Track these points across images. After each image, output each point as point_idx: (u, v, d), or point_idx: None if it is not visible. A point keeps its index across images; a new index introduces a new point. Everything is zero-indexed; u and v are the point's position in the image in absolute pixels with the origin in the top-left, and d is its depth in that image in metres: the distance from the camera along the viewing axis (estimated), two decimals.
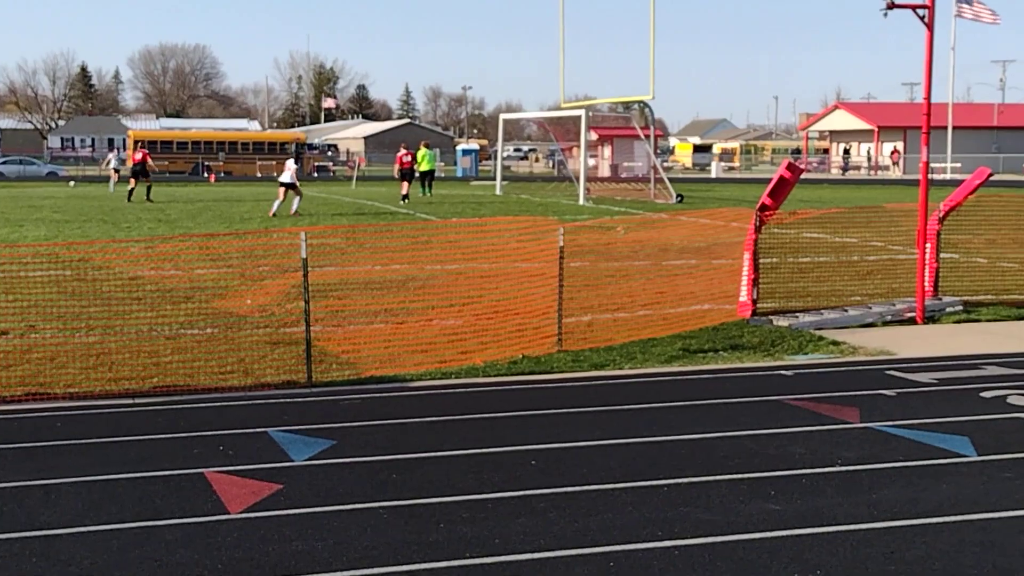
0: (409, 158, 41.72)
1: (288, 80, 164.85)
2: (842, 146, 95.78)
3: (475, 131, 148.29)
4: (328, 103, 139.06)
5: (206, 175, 64.36)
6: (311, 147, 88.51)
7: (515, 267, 13.33)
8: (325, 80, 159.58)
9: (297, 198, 33.28)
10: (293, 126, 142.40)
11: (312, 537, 6.10)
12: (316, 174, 74.86)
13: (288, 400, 9.51)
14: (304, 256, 10.39)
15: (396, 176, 43.19)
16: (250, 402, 9.43)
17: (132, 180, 39.59)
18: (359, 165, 71.44)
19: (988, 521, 6.40)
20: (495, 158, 58.91)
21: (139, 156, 40.46)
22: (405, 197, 39.78)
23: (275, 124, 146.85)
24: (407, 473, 7.33)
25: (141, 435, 8.35)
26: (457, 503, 6.69)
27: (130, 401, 9.45)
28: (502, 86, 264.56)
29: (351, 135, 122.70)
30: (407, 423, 8.70)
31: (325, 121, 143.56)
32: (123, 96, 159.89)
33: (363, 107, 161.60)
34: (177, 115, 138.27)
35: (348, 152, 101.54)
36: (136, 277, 13.58)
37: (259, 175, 71.30)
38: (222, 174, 66.15)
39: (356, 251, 17.47)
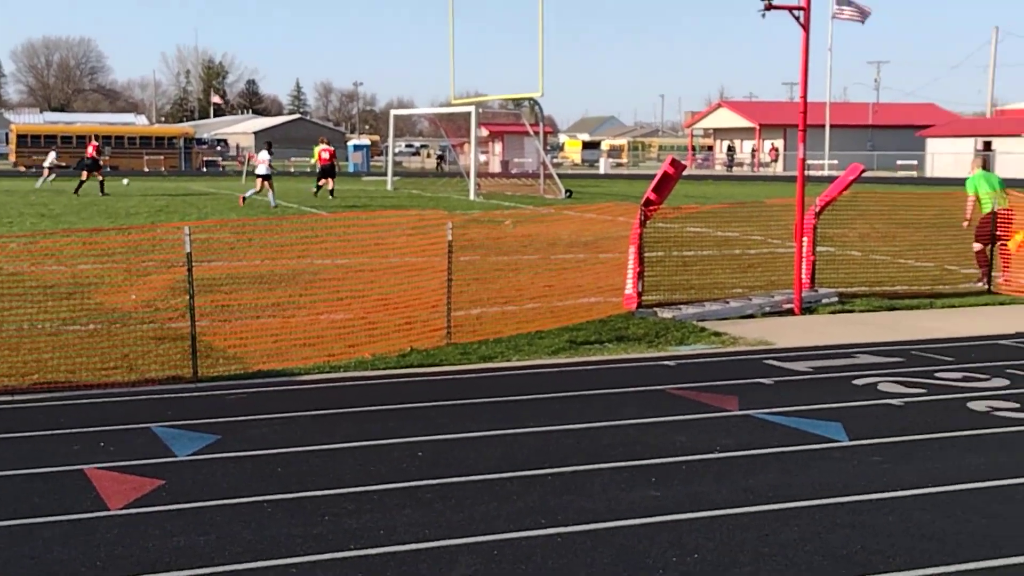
0: (328, 154, 41.47)
1: (176, 74, 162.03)
2: (726, 143, 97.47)
3: (366, 127, 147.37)
4: (215, 99, 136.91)
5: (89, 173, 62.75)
6: (200, 142, 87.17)
7: (405, 261, 13.26)
8: (214, 75, 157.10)
9: (270, 192, 33.88)
10: (182, 120, 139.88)
11: (194, 532, 6.00)
12: (205, 169, 73.71)
13: (172, 396, 9.34)
14: (188, 251, 10.21)
15: (316, 171, 42.76)
16: (133, 398, 9.24)
17: (84, 173, 39.99)
18: (248, 160, 70.39)
19: (858, 503, 6.57)
20: (386, 154, 58.61)
21: (90, 150, 41.17)
22: (331, 192, 39.71)
23: (163, 119, 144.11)
24: (293, 467, 7.26)
25: (20, 433, 8.12)
26: (343, 495, 6.64)
27: (9, 399, 9.18)
28: (393, 82, 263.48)
29: (241, 130, 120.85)
30: (294, 417, 8.61)
31: (215, 116, 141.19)
32: (6, 90, 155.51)
33: (253, 102, 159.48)
34: (62, 109, 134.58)
35: (238, 147, 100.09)
36: (16, 273, 13.19)
37: (146, 169, 69.97)
38: (108, 169, 64.55)
39: (245, 246, 17.23)
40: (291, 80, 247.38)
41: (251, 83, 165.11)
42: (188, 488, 6.78)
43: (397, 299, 12.60)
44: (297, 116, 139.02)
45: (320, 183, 39.84)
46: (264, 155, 35.00)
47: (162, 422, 8.36)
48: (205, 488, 6.78)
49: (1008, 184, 18.09)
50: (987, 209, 16.63)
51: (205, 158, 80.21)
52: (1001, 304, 15.38)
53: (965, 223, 16.89)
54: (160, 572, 5.48)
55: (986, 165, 17.73)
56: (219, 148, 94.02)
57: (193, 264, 10.29)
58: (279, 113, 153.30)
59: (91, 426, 8.27)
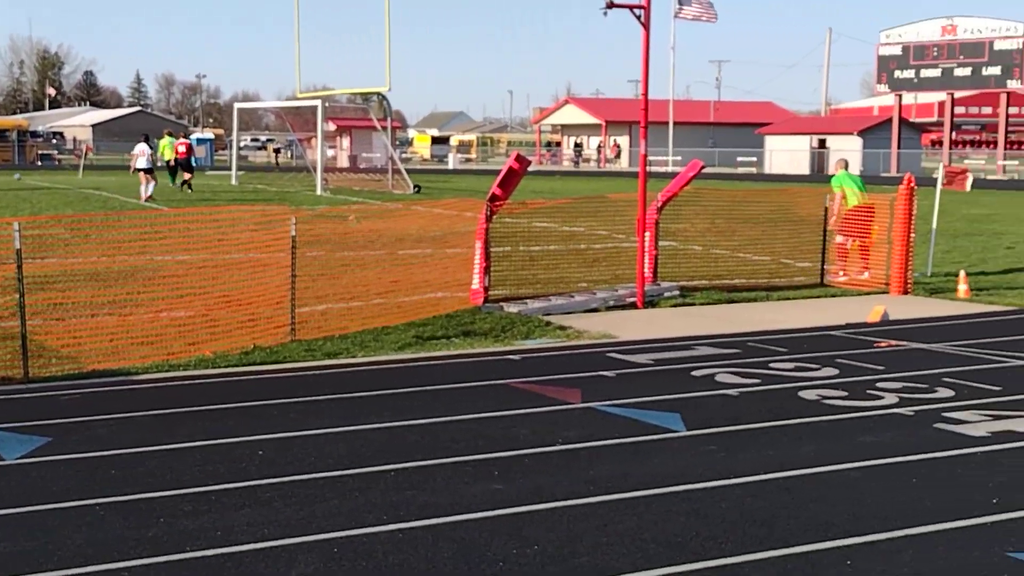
0: (184, 148, 40.98)
1: (9, 65, 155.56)
2: (573, 139, 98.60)
3: (210, 120, 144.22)
4: (50, 91, 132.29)
5: None
6: (34, 135, 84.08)
7: (249, 257, 13.04)
8: (49, 65, 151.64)
9: (152, 184, 33.13)
10: (15, 112, 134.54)
11: (22, 537, 5.80)
12: (40, 163, 71.12)
13: (1, 398, 9.00)
14: (18, 247, 9.84)
15: (169, 165, 42.33)
16: None
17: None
18: (86, 153, 68.23)
19: (694, 492, 6.73)
20: (231, 148, 57.55)
21: (183, 149, 41.40)
22: (186, 184, 39.52)
23: None
24: (128, 468, 7.07)
25: None
26: (180, 496, 6.50)
27: None
28: (238, 75, 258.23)
29: (78, 123, 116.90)
30: (130, 417, 8.39)
31: (50, 108, 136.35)
32: None
33: (91, 94, 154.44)
34: None
35: (75, 140, 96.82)
36: None
37: None
38: None
39: (81, 242, 16.70)
40: (131, 72, 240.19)
41: (89, 74, 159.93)
42: (15, 493, 6.54)
43: (240, 296, 12.38)
44: (137, 109, 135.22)
45: (185, 177, 39.93)
46: (143, 147, 34.23)
47: None
48: (34, 492, 6.55)
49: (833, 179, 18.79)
50: (852, 204, 17.26)
51: (40, 151, 77.33)
52: (833, 296, 15.96)
53: (832, 218, 17.44)
54: None
55: (847, 166, 18.37)
56: (55, 141, 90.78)
57: (23, 261, 9.92)
58: (119, 105, 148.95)
59: None
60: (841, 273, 17.07)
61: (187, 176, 39.97)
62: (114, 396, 9.13)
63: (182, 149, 41.02)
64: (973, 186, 21.15)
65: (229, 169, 52.31)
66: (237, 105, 58.48)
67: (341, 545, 5.76)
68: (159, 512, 6.22)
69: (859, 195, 17.32)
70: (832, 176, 18.18)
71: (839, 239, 17.24)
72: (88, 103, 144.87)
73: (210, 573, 5.39)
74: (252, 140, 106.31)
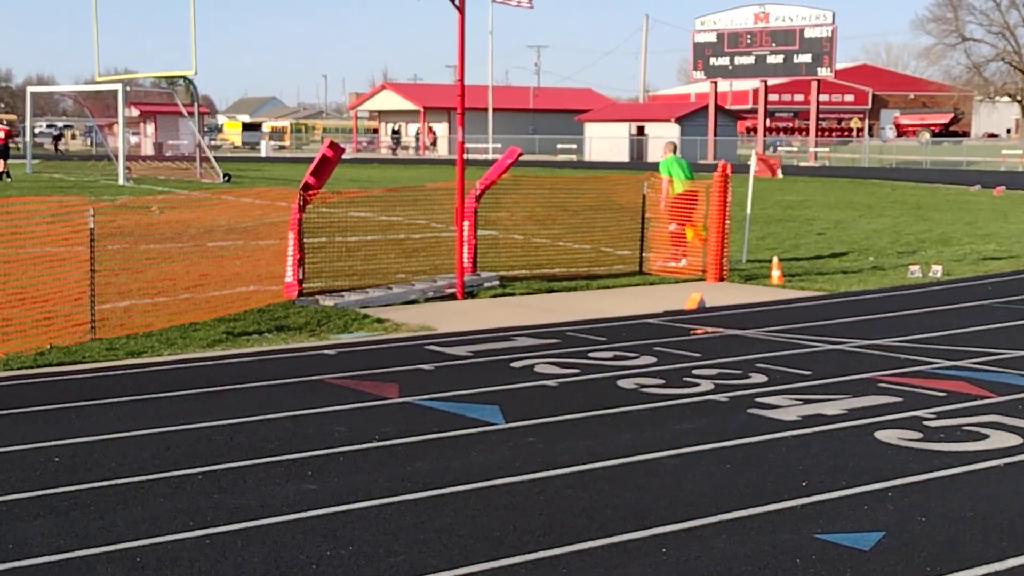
0: (3, 133, 39.83)
1: None
2: (391, 126, 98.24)
3: (2, 105, 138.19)
4: None
5: None
6: None
7: (45, 252, 12.58)
8: None
9: None
10: None
11: None
12: None
13: None
14: None
15: None
16: None
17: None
18: None
19: (512, 485, 6.80)
20: (24, 135, 55.32)
21: (1, 135, 40.94)
22: (5, 174, 38.54)
23: None
24: None
25: None
26: None
27: None
28: (32, 57, 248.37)
29: None
30: None
31: None
32: None
33: None
34: None
35: None
36: None
37: None
38: None
39: None
40: None
41: None
42: None
43: (35, 292, 11.93)
44: None
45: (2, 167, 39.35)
46: None
47: None
48: None
49: (655, 167, 19.25)
50: (678, 190, 17.66)
51: None
52: (651, 284, 16.36)
53: (661, 203, 17.80)
54: None
55: (675, 150, 18.79)
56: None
57: None
58: None
59: None
60: (683, 260, 17.41)
61: (1, 163, 39.11)
62: None
63: (0, 135, 40.09)
64: (785, 173, 22.02)
65: (23, 158, 50.29)
66: (31, 89, 56.35)
67: (144, 554, 5.61)
68: None
69: (684, 182, 17.78)
70: (660, 160, 18.59)
71: (672, 227, 17.61)
72: None
73: None
74: (48, 127, 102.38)
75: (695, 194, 17.56)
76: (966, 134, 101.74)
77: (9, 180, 38.03)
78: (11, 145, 43.27)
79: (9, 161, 41.97)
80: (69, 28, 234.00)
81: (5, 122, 46.59)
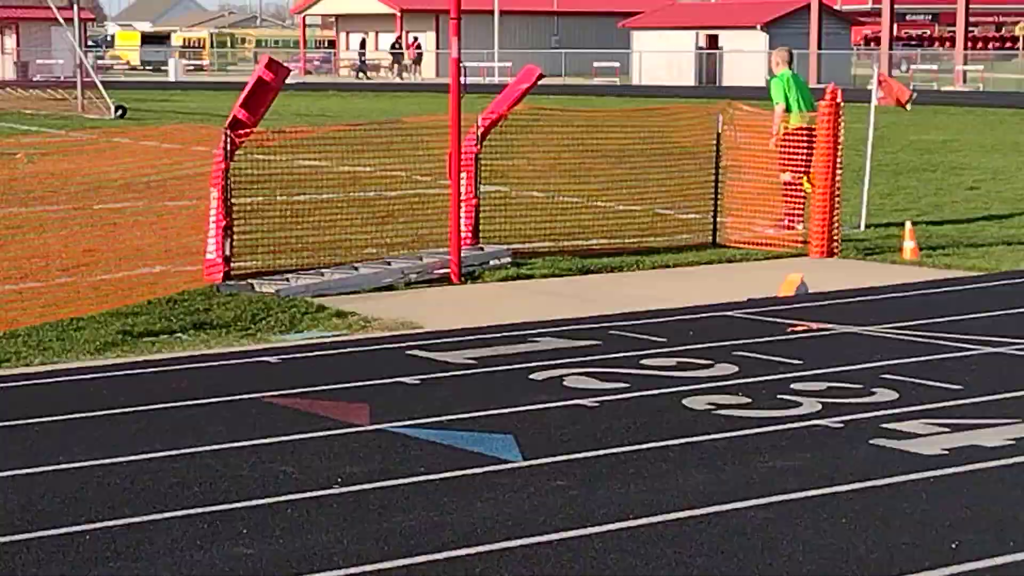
0: None
1: None
2: (359, 36, 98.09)
3: None
4: None
5: None
6: None
7: None
8: None
9: None
10: None
11: None
12: None
13: None
14: None
15: None
16: None
17: None
18: None
19: (535, 547, 6.75)
20: None
21: None
22: None
23: None
24: None
25: None
26: None
27: None
28: None
29: None
30: None
31: None
32: None
33: None
34: None
35: None
36: None
37: None
38: None
39: None
40: None
41: None
42: None
43: None
44: None
45: None
46: None
47: None
48: None
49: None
50: (796, 122, 17.50)
51: None
52: (730, 261, 16.31)
53: (772, 141, 17.60)
54: None
55: (792, 61, 18.53)
56: None
57: None
58: None
59: None
60: (800, 225, 17.22)
61: None
62: None
63: None
64: (920, 102, 21.93)
65: None
66: None
67: None
68: None
69: (804, 113, 17.57)
70: (771, 77, 18.43)
71: (785, 176, 17.43)
72: None
73: None
74: None
75: (812, 131, 17.21)
76: None
77: None
78: None
79: None
80: None
81: None
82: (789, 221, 17.42)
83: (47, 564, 6.53)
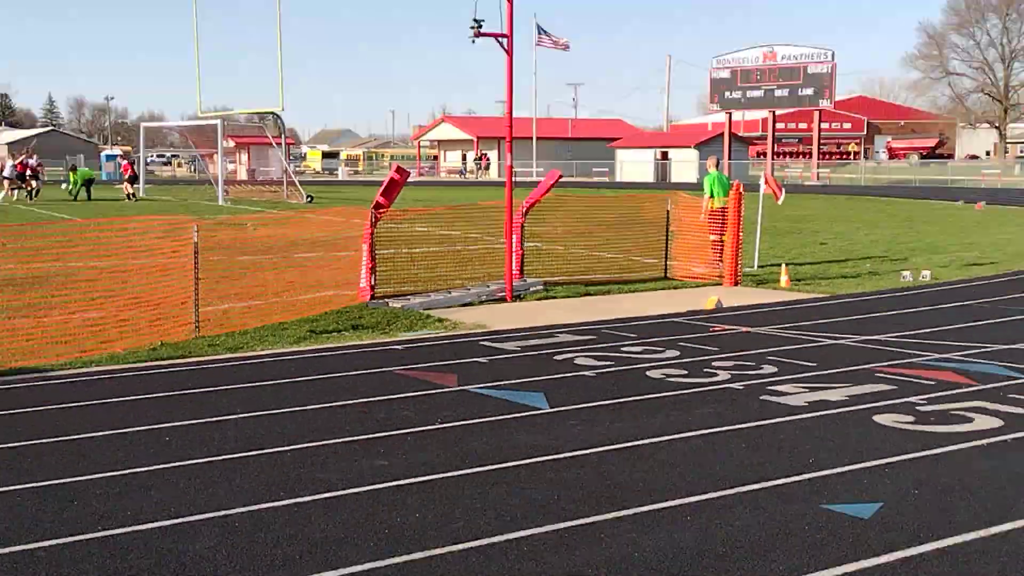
0: (128, 165, 43.43)
1: None
2: (453, 154, 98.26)
3: (119, 138, 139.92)
4: None
5: None
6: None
7: (155, 262, 12.71)
8: None
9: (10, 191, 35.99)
10: None
11: None
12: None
13: None
14: None
15: (126, 178, 44.79)
16: None
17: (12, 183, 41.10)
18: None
19: (556, 461, 6.78)
20: (138, 164, 55.98)
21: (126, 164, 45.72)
22: (132, 196, 42.12)
23: None
24: (44, 457, 6.81)
25: None
26: (92, 481, 6.29)
27: None
28: (145, 96, 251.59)
29: None
30: (45, 410, 8.09)
31: None
32: None
33: (6, 115, 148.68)
34: None
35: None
36: None
37: None
38: None
39: None
40: (44, 94, 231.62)
41: (3, 97, 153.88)
42: None
43: (148, 297, 12.07)
44: (50, 128, 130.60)
45: (129, 189, 43.07)
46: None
47: None
48: None
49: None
50: (717, 205, 17.44)
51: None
52: (675, 288, 16.25)
53: (702, 216, 17.55)
54: None
55: (718, 164, 18.47)
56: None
57: None
58: (32, 126, 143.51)
59: None
60: (718, 267, 17.09)
61: (132, 187, 43.10)
62: (28, 391, 8.79)
63: (125, 163, 43.59)
64: (791, 191, 21.75)
65: (136, 182, 50.90)
66: (144, 124, 57.07)
67: (241, 519, 5.64)
68: (73, 495, 6.01)
69: (722, 197, 17.49)
70: (706, 174, 18.34)
71: (712, 237, 17.34)
72: (3, 124, 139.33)
73: (120, 551, 5.23)
74: (158, 156, 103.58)
75: (727, 209, 17.14)
76: (950, 156, 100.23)
77: (135, 201, 40.02)
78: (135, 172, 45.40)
79: (131, 184, 43.53)
80: (175, 71, 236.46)
81: (129, 156, 48.61)
82: (715, 261, 17.34)
83: (265, 471, 6.54)
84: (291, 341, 11.30)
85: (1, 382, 9.10)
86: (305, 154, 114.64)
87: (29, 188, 41.01)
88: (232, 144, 68.20)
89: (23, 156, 43.58)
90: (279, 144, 49.08)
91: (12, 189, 39.78)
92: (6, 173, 38.58)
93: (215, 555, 5.15)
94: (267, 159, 68.26)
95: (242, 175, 66.80)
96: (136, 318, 11.41)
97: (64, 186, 42.87)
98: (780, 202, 20.73)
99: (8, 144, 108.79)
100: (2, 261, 14.34)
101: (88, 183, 42.77)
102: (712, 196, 17.69)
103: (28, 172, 41.22)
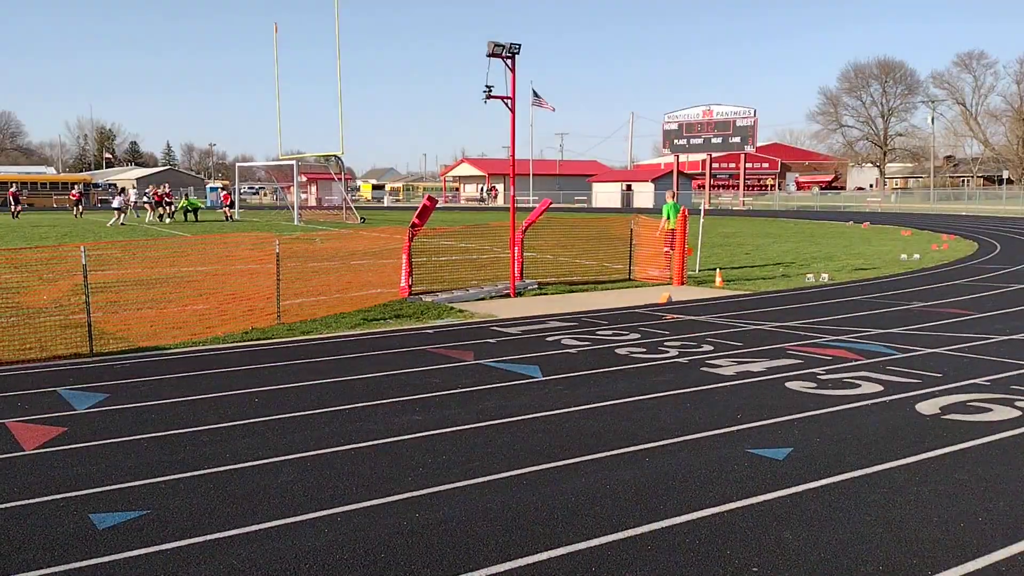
0: (227, 195, 44.41)
1: (77, 137, 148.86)
2: (481, 186, 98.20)
3: (220, 175, 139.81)
4: (107, 155, 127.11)
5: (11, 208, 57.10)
6: (96, 186, 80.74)
7: (248, 267, 12.72)
8: (105, 138, 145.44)
9: (122, 215, 36.25)
10: (81, 171, 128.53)
11: (89, 463, 5.56)
12: (100, 205, 68.14)
13: (74, 367, 8.59)
14: (84, 263, 9.43)
15: (225, 205, 44.79)
16: (44, 369, 8.45)
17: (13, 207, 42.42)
18: (159, 198, 65.83)
19: (548, 417, 6.76)
20: (234, 194, 56.03)
21: (226, 195, 45.16)
22: (229, 217, 42.33)
23: (67, 169, 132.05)
24: (164, 413, 6.82)
25: None
26: (200, 431, 6.30)
27: None
28: (239, 142, 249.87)
29: (126, 177, 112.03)
30: (165, 378, 8.09)
31: (107, 167, 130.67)
32: None
33: (135, 157, 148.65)
34: None
35: (123, 189, 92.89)
36: None
37: (55, 206, 64.21)
38: (26, 206, 58.70)
39: (130, 259, 16.09)
40: (163, 141, 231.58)
41: (134, 143, 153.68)
42: (85, 432, 6.26)
43: (242, 294, 12.08)
44: (168, 167, 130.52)
45: (228, 212, 43.21)
46: (129, 193, 36.63)
47: (66, 386, 7.69)
48: (98, 432, 6.28)
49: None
50: (671, 226, 17.41)
51: (100, 197, 74.22)
52: (636, 287, 16.18)
53: (658, 232, 17.59)
54: (62, 492, 5.05)
55: (674, 196, 18.46)
56: (110, 190, 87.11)
57: (89, 272, 9.51)
58: (155, 165, 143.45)
59: (11, 391, 7.51)
60: (668, 271, 17.04)
61: (230, 211, 43.51)
62: (153, 364, 8.79)
63: (225, 194, 44.45)
64: (721, 214, 21.68)
65: (233, 207, 50.94)
66: (238, 164, 57.04)
67: (312, 460, 5.64)
68: (185, 442, 6.02)
69: (676, 219, 17.45)
70: (665, 203, 18.46)
71: (666, 249, 17.30)
72: (133, 163, 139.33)
73: (220, 483, 5.24)
74: (248, 188, 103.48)
75: (676, 230, 17.22)
76: (843, 188, 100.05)
77: (232, 221, 40.55)
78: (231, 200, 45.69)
79: (230, 209, 43.85)
80: (262, 122, 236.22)
81: (228, 188, 49.56)
82: (667, 268, 17.31)
83: (329, 424, 6.51)
84: (348, 326, 11.27)
85: (132, 357, 9.10)
86: (359, 187, 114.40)
87: (163, 212, 41.56)
88: (304, 179, 68.20)
89: (160, 188, 44.08)
90: (339, 179, 49.03)
91: (157, 215, 40.62)
92: (145, 199, 39.77)
93: (293, 487, 5.15)
94: (330, 190, 68.24)
95: (312, 202, 66.73)
96: (233, 309, 11.40)
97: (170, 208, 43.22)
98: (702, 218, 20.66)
99: (138, 179, 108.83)
100: (133, 266, 14.34)
101: (194, 210, 42.83)
102: (668, 218, 17.67)
103: (165, 200, 41.92)
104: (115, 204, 38.24)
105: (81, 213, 46.77)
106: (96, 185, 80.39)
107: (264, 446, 5.94)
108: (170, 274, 14.23)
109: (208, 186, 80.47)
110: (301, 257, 16.08)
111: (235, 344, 9.98)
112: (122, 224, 36.31)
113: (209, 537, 4.45)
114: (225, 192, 45.80)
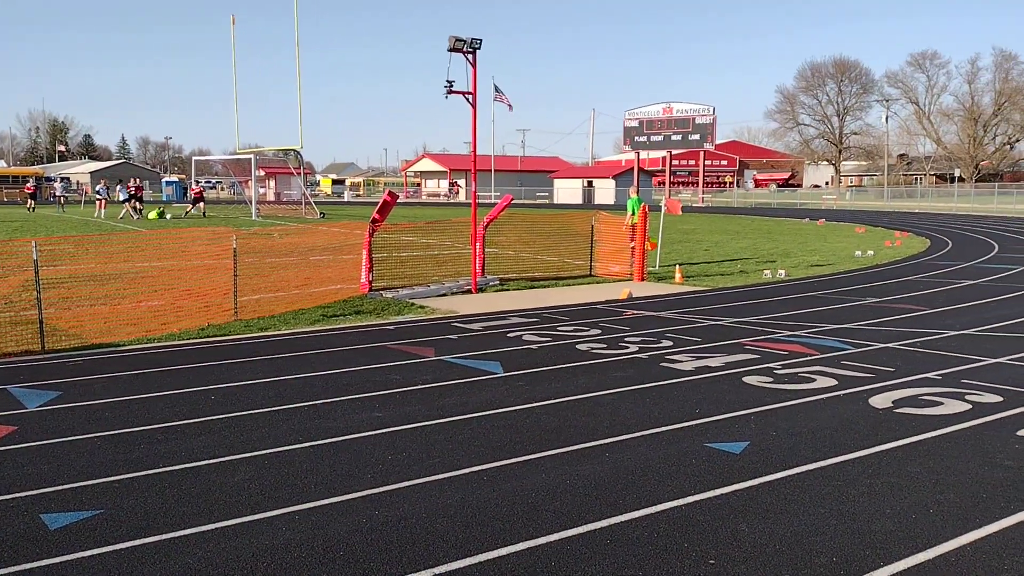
0: (199, 190, 42.81)
1: (28, 130, 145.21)
2: (431, 182, 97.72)
3: (176, 168, 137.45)
4: (60, 148, 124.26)
5: None
6: (48, 179, 78.93)
7: (204, 263, 12.50)
8: (59, 130, 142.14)
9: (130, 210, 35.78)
10: (33, 164, 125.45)
11: (40, 462, 5.43)
12: (52, 199, 66.59)
13: (25, 364, 8.39)
14: (35, 258, 9.20)
15: (191, 200, 43.76)
16: None
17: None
18: (86, 193, 64.29)
19: (509, 413, 6.76)
20: (189, 188, 55.25)
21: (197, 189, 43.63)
22: (202, 213, 41.11)
23: (18, 162, 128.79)
24: (117, 411, 6.69)
25: None
26: (154, 429, 6.19)
27: None
28: (195, 135, 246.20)
29: (80, 171, 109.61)
30: (118, 376, 7.93)
31: (59, 160, 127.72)
32: None
33: (89, 150, 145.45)
34: None
35: (78, 183, 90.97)
36: None
37: (4, 200, 62.59)
38: None
39: (83, 254, 15.72)
40: (118, 134, 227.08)
41: (87, 136, 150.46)
42: (36, 431, 6.12)
43: (198, 290, 11.87)
44: (123, 160, 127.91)
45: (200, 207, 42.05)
46: (119, 187, 36.06)
47: (16, 384, 7.51)
48: (49, 431, 6.14)
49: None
50: (633, 221, 17.52)
51: (52, 191, 72.62)
52: (597, 283, 16.27)
53: (625, 227, 17.72)
54: (12, 492, 4.92)
55: (637, 191, 18.62)
56: (63, 183, 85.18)
57: (40, 268, 9.28)
58: (109, 158, 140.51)
59: None
60: (632, 266, 17.15)
61: (204, 207, 42.67)
62: (106, 361, 8.62)
63: (197, 189, 43.37)
64: (685, 211, 21.91)
65: (189, 203, 50.20)
66: (195, 158, 56.19)
67: (269, 458, 5.58)
68: (139, 441, 5.91)
69: (635, 216, 17.56)
70: (629, 199, 18.53)
71: (631, 245, 17.38)
72: (87, 157, 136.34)
73: (176, 482, 5.16)
74: (206, 182, 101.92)
75: (637, 225, 17.38)
76: (799, 185, 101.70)
77: (205, 216, 40.08)
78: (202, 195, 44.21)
79: (180, 204, 42.91)
80: (218, 115, 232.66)
81: (199, 183, 48.02)
82: (627, 263, 17.38)
83: (288, 421, 6.44)
84: (308, 323, 11.17)
85: (84, 354, 8.91)
86: (319, 181, 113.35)
87: (140, 207, 40.46)
88: (263, 173, 67.39)
89: (133, 181, 42.97)
90: (298, 173, 48.56)
91: (133, 207, 39.17)
92: (122, 197, 38.39)
93: (250, 486, 5.09)
94: (289, 185, 67.59)
95: (270, 197, 65.98)
96: (189, 306, 11.22)
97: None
98: (680, 213, 20.86)
99: (91, 172, 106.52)
100: (87, 261, 14.03)
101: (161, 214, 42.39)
102: (633, 214, 17.82)
103: (139, 193, 40.85)
104: (122, 197, 37.42)
105: (34, 207, 45.68)
106: (48, 179, 78.58)
107: (221, 444, 5.86)
108: (124, 269, 13.94)
109: (164, 179, 79.13)
110: (259, 252, 15.84)
111: (191, 341, 9.83)
112: (135, 218, 35.59)
113: (164, 537, 4.38)
114: (198, 187, 44.47)
